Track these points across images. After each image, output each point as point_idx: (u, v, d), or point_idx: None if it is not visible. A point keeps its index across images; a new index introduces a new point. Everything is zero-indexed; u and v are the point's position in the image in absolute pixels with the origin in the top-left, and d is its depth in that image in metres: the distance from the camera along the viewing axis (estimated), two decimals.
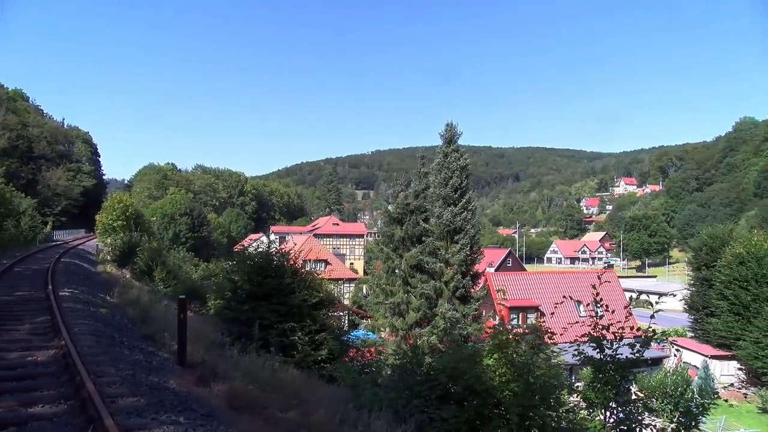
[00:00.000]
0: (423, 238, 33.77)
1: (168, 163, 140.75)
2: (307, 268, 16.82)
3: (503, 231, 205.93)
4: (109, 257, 34.15)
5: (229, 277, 15.49)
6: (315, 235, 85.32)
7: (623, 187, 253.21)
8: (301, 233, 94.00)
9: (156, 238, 47.84)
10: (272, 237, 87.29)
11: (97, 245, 42.23)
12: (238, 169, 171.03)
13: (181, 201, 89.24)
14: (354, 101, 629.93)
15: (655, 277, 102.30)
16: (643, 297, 67.46)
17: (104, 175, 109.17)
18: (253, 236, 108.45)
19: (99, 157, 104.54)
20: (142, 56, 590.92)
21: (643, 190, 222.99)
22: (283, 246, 16.74)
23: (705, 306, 42.98)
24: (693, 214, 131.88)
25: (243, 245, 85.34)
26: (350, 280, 65.75)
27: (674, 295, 64.70)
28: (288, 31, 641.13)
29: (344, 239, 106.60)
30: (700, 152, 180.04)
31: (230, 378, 8.72)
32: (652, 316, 8.23)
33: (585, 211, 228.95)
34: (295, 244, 57.40)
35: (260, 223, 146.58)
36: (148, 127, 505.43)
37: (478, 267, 35.22)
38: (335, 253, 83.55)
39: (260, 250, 15.74)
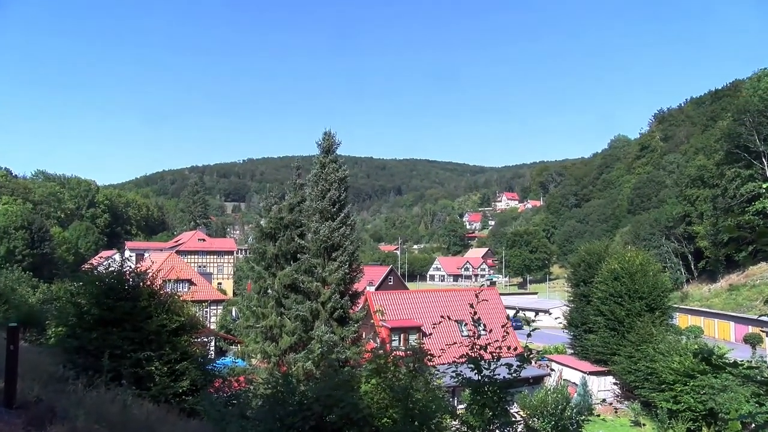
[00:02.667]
0: (298, 256, 33.57)
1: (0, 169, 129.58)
2: (168, 289, 16.14)
3: (385, 247, 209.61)
4: None
5: (74, 300, 14.48)
6: (178, 252, 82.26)
7: (505, 202, 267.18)
8: (161, 250, 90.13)
9: None
10: (127, 254, 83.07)
11: None
12: (89, 177, 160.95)
13: (17, 212, 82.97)
14: (224, 104, 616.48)
15: (536, 293, 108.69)
16: (522, 314, 71.27)
17: None
18: (104, 253, 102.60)
19: None
20: None
21: (525, 205, 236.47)
22: (139, 264, 15.99)
23: (583, 322, 46.08)
24: (572, 230, 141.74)
25: (92, 264, 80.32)
26: (217, 302, 64.11)
27: (549, 313, 69.04)
28: (142, 20, 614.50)
29: (211, 256, 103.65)
30: (579, 168, 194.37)
31: (72, 418, 8.14)
32: (528, 335, 8.73)
33: (468, 227, 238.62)
34: (154, 262, 54.86)
35: (114, 239, 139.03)
36: None
37: (358, 286, 35.51)
38: (201, 272, 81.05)
39: (112, 269, 14.87)
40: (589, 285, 45.94)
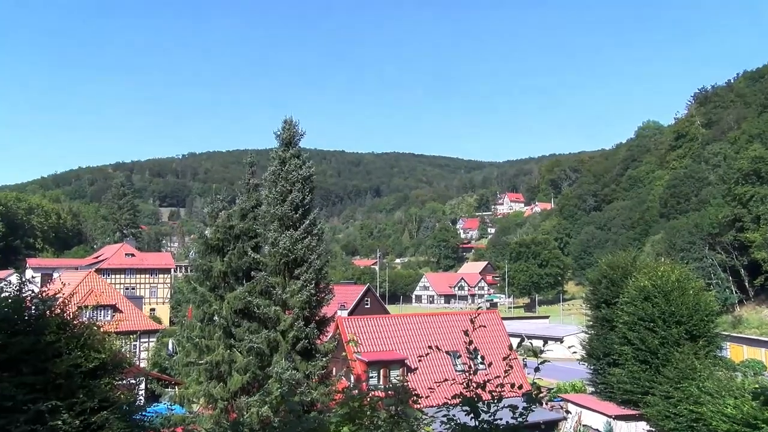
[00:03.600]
0: (252, 273, 33.36)
1: None
2: (85, 319, 15.86)
3: (360, 262, 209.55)
4: None
5: None
6: (98, 271, 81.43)
7: (508, 205, 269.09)
8: (77, 268, 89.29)
9: None
10: (29, 274, 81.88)
11: None
12: None
13: None
14: (158, 88, 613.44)
15: (547, 317, 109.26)
16: (528, 342, 71.57)
17: None
18: None
19: None
20: None
21: (532, 208, 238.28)
22: (46, 287, 15.64)
23: (606, 353, 46.21)
24: (591, 239, 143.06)
25: None
26: (150, 333, 63.71)
27: (562, 341, 69.35)
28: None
29: (143, 275, 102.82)
30: (598, 163, 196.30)
31: None
32: (536, 369, 8.69)
33: (462, 235, 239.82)
34: (67, 284, 54.08)
35: (11, 255, 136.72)
36: None
37: (327, 310, 35.38)
38: (129, 295, 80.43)
39: (5, 294, 14.49)
40: (613, 307, 46.18)
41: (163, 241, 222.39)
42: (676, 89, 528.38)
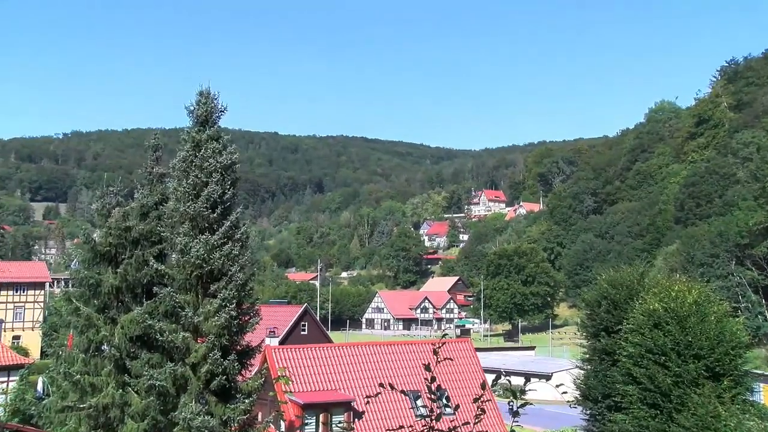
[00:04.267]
0: (155, 289, 33.18)
1: None
2: None
3: (296, 275, 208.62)
4: None
5: None
6: None
7: (485, 205, 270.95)
8: None
9: None
10: None
11: None
12: None
13: None
14: (29, 49, 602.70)
15: (532, 348, 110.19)
16: (506, 380, 71.77)
17: None
18: None
19: None
20: None
21: (515, 209, 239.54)
22: None
23: (606, 394, 46.71)
24: (589, 249, 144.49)
25: None
26: (10, 369, 62.66)
27: (550, 379, 70.16)
28: None
29: (3, 292, 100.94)
30: (599, 153, 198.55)
31: None
32: (515, 413, 8.93)
33: (427, 243, 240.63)
34: None
35: None
36: None
37: (252, 337, 35.34)
38: None
39: None
40: (615, 336, 46.80)
41: (35, 247, 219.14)
42: (697, 62, 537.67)
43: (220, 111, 34.72)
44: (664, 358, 42.44)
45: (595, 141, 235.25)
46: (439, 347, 9.31)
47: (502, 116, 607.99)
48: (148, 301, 33.05)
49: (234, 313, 32.88)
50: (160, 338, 32.27)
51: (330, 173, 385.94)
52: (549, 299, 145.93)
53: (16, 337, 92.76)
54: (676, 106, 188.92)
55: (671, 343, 42.35)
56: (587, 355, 51.20)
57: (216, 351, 32.21)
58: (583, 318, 55.22)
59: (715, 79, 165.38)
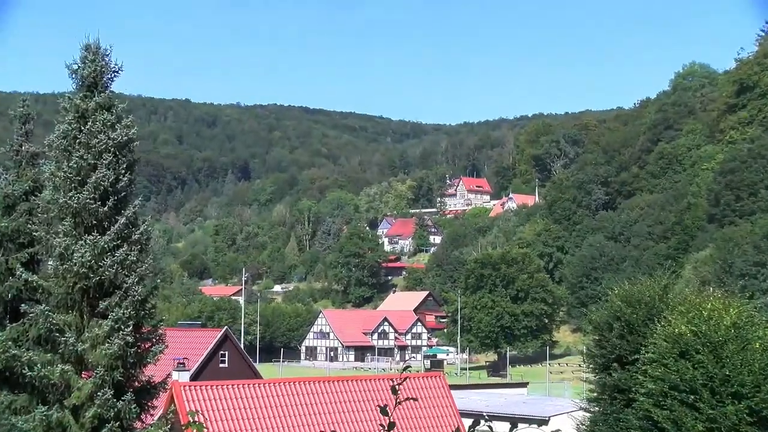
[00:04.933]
0: (24, 307, 32.70)
1: None
2: None
3: (214, 289, 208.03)
4: None
5: None
6: None
7: (464, 197, 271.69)
8: None
9: None
10: None
11: None
12: None
13: None
14: None
15: (525, 385, 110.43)
16: (486, 426, 71.84)
17: None
18: None
19: None
20: None
21: (503, 203, 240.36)
22: None
23: None
24: (598, 256, 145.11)
25: None
26: None
27: (546, 424, 70.37)
28: None
29: None
30: (612, 131, 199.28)
31: None
32: None
33: (388, 247, 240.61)
34: None
35: None
36: None
37: (156, 370, 35.11)
38: None
39: None
40: (631, 368, 46.93)
41: None
42: (739, 13, 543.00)
43: (113, 71, 34.23)
44: (693, 397, 42.49)
45: (606, 114, 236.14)
46: (400, 384, 9.02)
47: (486, 82, 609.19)
48: (14, 324, 32.57)
49: (131, 339, 32.47)
50: (29, 373, 31.72)
51: (259, 154, 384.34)
52: (546, 321, 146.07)
53: None
54: (710, 69, 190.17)
55: (703, 378, 42.40)
56: (595, 394, 51.30)
57: (106, 389, 31.78)
58: (589, 345, 55.25)
59: (761, 35, 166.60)
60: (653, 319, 46.98)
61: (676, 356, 43.38)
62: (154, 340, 33.71)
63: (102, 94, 33.83)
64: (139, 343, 33.06)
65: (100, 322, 32.47)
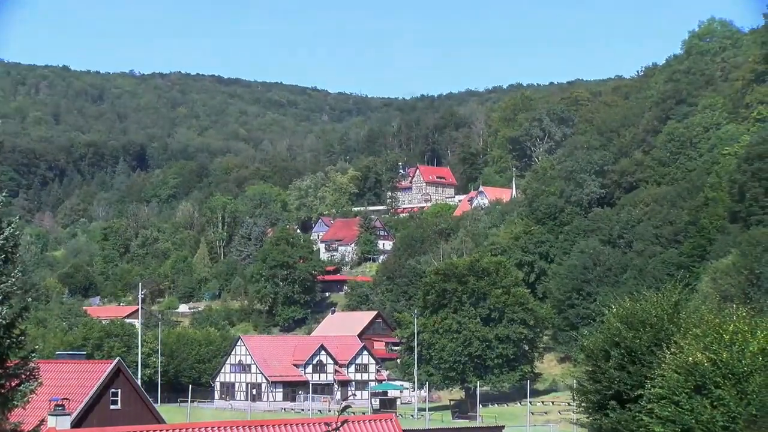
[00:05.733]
0: None
1: None
2: None
3: (102, 309, 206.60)
4: None
5: None
6: None
7: (421, 191, 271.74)
8: None
9: None
10: None
11: None
12: None
13: None
14: None
15: (500, 429, 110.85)
16: None
17: None
18: None
19: None
20: None
21: (471, 197, 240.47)
22: None
23: None
24: (591, 265, 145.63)
25: None
26: None
27: None
28: None
29: None
30: (609, 106, 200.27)
31: None
32: None
33: (324, 255, 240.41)
34: None
35: None
36: None
37: (27, 415, 35.00)
38: None
39: None
40: (632, 407, 47.34)
41: None
42: None
43: None
44: None
45: (602, 85, 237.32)
46: (338, 429, 9.17)
47: (449, 45, 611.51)
48: None
49: None
50: None
51: (158, 137, 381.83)
52: (527, 348, 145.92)
53: None
54: (733, 27, 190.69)
55: (724, 419, 42.76)
56: None
57: None
58: (581, 379, 55.68)
59: None
60: (661, 344, 47.40)
61: (690, 391, 43.72)
62: (23, 376, 33.43)
63: None
64: (3, 381, 32.86)
65: None
